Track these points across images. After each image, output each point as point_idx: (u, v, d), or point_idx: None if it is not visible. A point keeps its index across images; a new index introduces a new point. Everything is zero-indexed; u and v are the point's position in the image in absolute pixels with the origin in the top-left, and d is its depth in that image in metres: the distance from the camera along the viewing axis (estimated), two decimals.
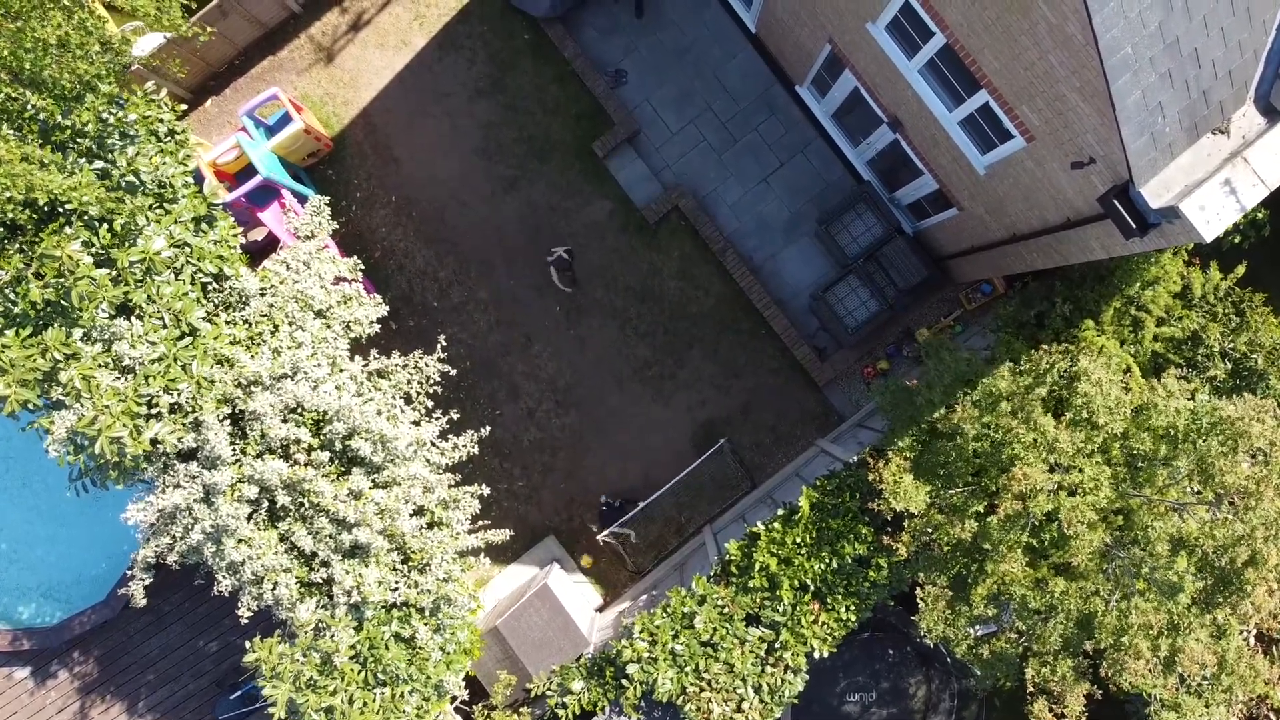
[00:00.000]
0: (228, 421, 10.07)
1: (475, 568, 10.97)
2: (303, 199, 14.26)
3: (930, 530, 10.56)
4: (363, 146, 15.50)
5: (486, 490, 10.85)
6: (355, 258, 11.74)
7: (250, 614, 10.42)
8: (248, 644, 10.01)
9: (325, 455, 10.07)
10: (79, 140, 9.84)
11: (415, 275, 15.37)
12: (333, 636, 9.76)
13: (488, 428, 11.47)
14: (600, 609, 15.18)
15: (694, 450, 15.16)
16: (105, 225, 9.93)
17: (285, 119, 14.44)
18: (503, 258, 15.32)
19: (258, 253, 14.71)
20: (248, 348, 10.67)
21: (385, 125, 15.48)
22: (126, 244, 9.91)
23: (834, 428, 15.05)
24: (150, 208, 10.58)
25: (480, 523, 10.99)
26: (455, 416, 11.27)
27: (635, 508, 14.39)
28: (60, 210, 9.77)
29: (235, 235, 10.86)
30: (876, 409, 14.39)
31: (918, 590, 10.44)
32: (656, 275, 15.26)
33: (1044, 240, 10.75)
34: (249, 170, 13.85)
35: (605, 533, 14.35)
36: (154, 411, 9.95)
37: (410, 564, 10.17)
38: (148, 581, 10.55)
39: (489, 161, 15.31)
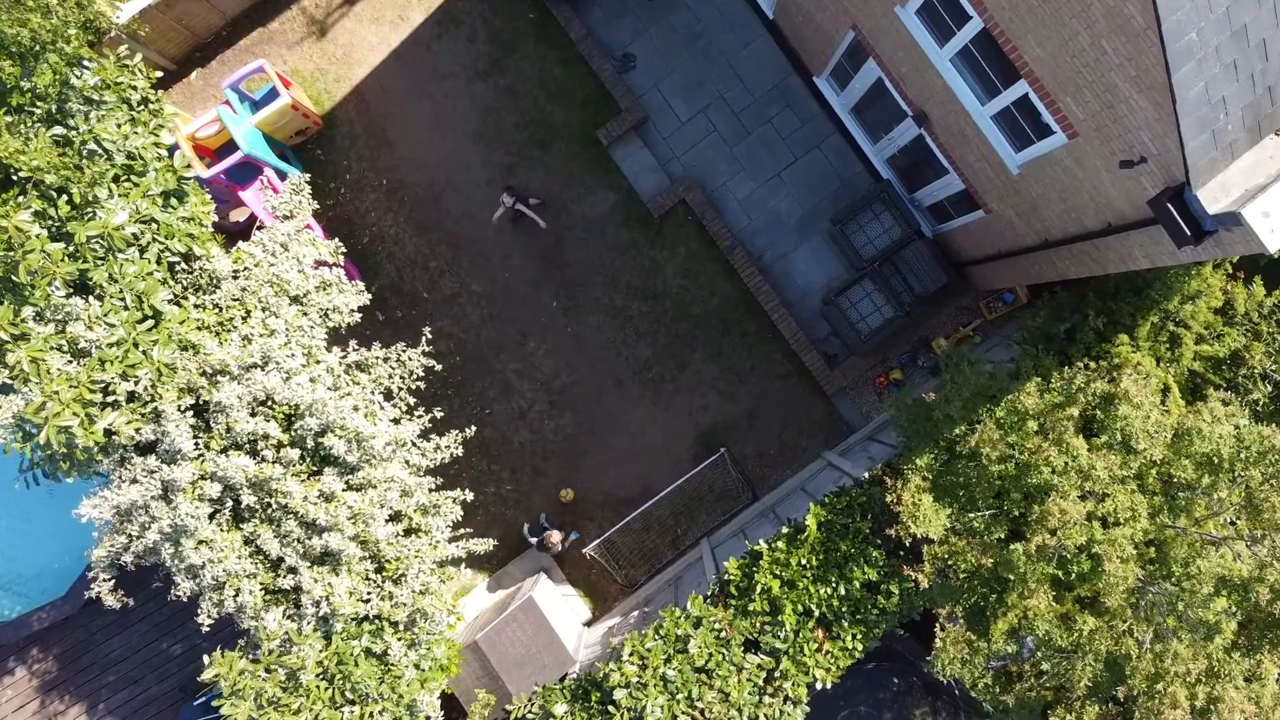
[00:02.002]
0: (190, 413, 9.35)
1: (456, 577, 10.25)
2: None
3: (948, 556, 9.83)
4: (354, 126, 14.77)
5: (470, 496, 10.12)
6: (337, 240, 11.02)
7: (211, 621, 9.73)
8: (206, 658, 9.29)
9: (295, 453, 9.35)
10: (39, 104, 9.12)
11: (405, 263, 14.65)
12: (299, 652, 9.03)
13: (473, 427, 10.76)
14: (589, 623, 14.46)
15: (693, 457, 14.45)
16: (65, 197, 9.22)
17: (272, 94, 13.73)
18: (498, 248, 14.60)
19: (240, 234, 13.99)
20: (216, 334, 9.96)
21: (379, 105, 14.76)
22: (85, 217, 9.20)
23: (842, 439, 14.33)
24: (116, 179, 9.89)
25: (463, 530, 10.27)
26: (439, 415, 10.55)
27: (570, 536, 13.77)
28: (15, 179, 9.06)
29: (207, 212, 10.14)
30: (888, 422, 13.69)
31: (937, 631, 9.72)
32: (659, 272, 14.54)
33: (1080, 247, 10.02)
34: (231, 146, 13.12)
35: (591, 546, 13.63)
36: (110, 400, 9.24)
37: (384, 574, 9.44)
38: (110, 581, 9.86)
39: (487, 147, 14.59)
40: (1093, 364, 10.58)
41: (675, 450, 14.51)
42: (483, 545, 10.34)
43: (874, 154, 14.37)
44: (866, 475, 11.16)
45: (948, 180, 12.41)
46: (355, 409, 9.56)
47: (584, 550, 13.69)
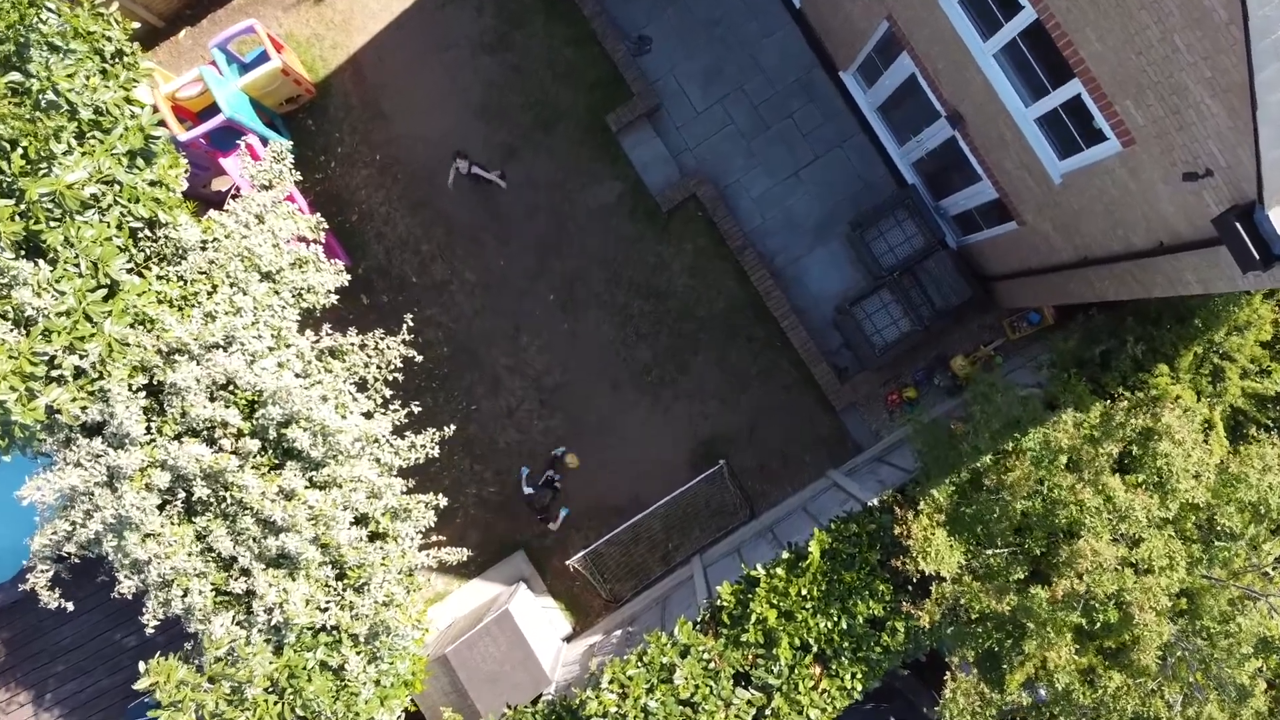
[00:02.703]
0: (143, 394, 8.59)
1: (429, 584, 9.50)
2: None
3: (959, 597, 9.09)
4: (349, 97, 14.02)
5: (443, 501, 9.37)
6: (319, 215, 10.26)
7: (157, 622, 8.99)
8: (143, 665, 8.56)
9: (256, 444, 8.60)
10: None
11: (395, 245, 13.90)
12: (248, 663, 8.28)
13: (452, 427, 9.98)
14: (569, 638, 13.72)
15: (690, 468, 13.71)
16: (20, 151, 8.47)
17: (263, 57, 12.97)
18: (495, 235, 13.86)
19: (222, 205, 13.23)
20: (180, 309, 9.20)
21: (376, 75, 14.01)
22: (39, 173, 8.44)
23: (849, 458, 13.59)
24: (81, 135, 9.14)
25: (435, 537, 9.52)
26: (417, 410, 9.78)
27: (550, 493, 12.98)
28: None
29: (177, 175, 9.38)
30: (901, 443, 12.95)
31: (946, 679, 8.98)
32: (665, 270, 13.79)
33: (1124, 267, 9.28)
34: (214, 109, 12.37)
35: (576, 558, 12.89)
36: (55, 374, 8.48)
37: (346, 581, 8.68)
38: (49, 573, 9.11)
39: (488, 126, 13.84)
40: (1128, 394, 9.85)
41: (671, 460, 13.77)
42: (456, 555, 9.59)
43: (899, 156, 13.63)
44: (876, 501, 10.41)
45: (980, 188, 11.67)
46: (324, 399, 8.80)
47: (568, 562, 12.94)
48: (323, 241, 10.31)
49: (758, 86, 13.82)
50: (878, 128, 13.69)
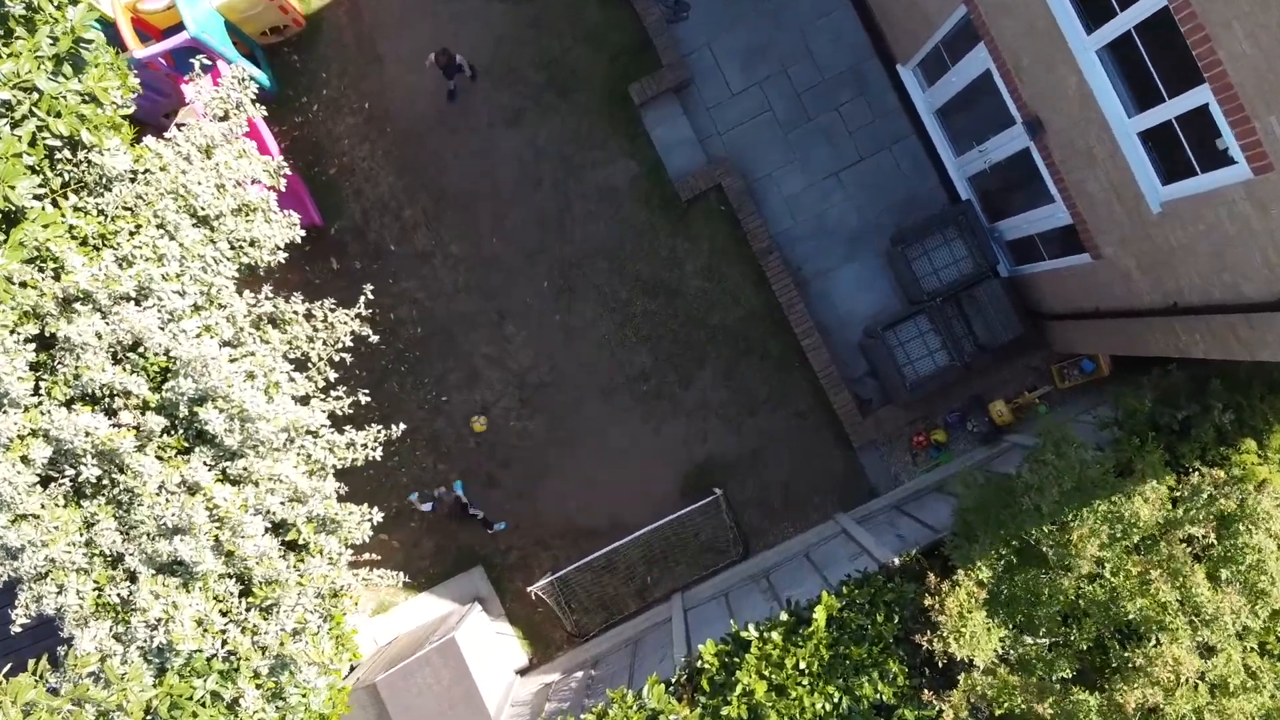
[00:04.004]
0: (31, 347, 7.22)
1: (368, 595, 8.15)
2: None
3: (989, 691, 7.74)
4: (342, 34, 12.65)
5: (379, 517, 8.00)
6: (282, 159, 8.90)
7: (27, 620, 7.63)
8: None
9: (161, 421, 7.24)
10: None
11: (375, 206, 12.54)
12: (119, 687, 6.91)
13: (399, 426, 8.59)
14: (524, 671, 12.36)
15: (680, 494, 12.36)
16: None
17: None
18: (489, 207, 12.50)
19: None
20: (96, 249, 7.84)
21: (375, 13, 12.64)
22: None
23: (862, 502, 12.24)
24: (8, 35, 7.78)
25: (368, 555, 8.16)
26: (365, 400, 8.40)
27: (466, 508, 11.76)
28: None
29: (107, 90, 8.00)
30: (925, 492, 11.62)
31: None
32: (677, 267, 12.43)
33: (1224, 321, 7.94)
34: (181, 27, 10.99)
35: (539, 585, 11.53)
36: None
37: (251, 600, 7.31)
38: None
39: (494, 84, 12.47)
40: (1207, 470, 8.50)
41: (660, 482, 12.41)
42: (389, 580, 8.22)
43: (955, 167, 12.28)
44: (896, 561, 9.06)
45: (1049, 211, 10.33)
46: (250, 376, 7.43)
47: (530, 589, 11.57)
48: (282, 189, 8.95)
49: (804, 72, 12.46)
50: (934, 132, 12.34)
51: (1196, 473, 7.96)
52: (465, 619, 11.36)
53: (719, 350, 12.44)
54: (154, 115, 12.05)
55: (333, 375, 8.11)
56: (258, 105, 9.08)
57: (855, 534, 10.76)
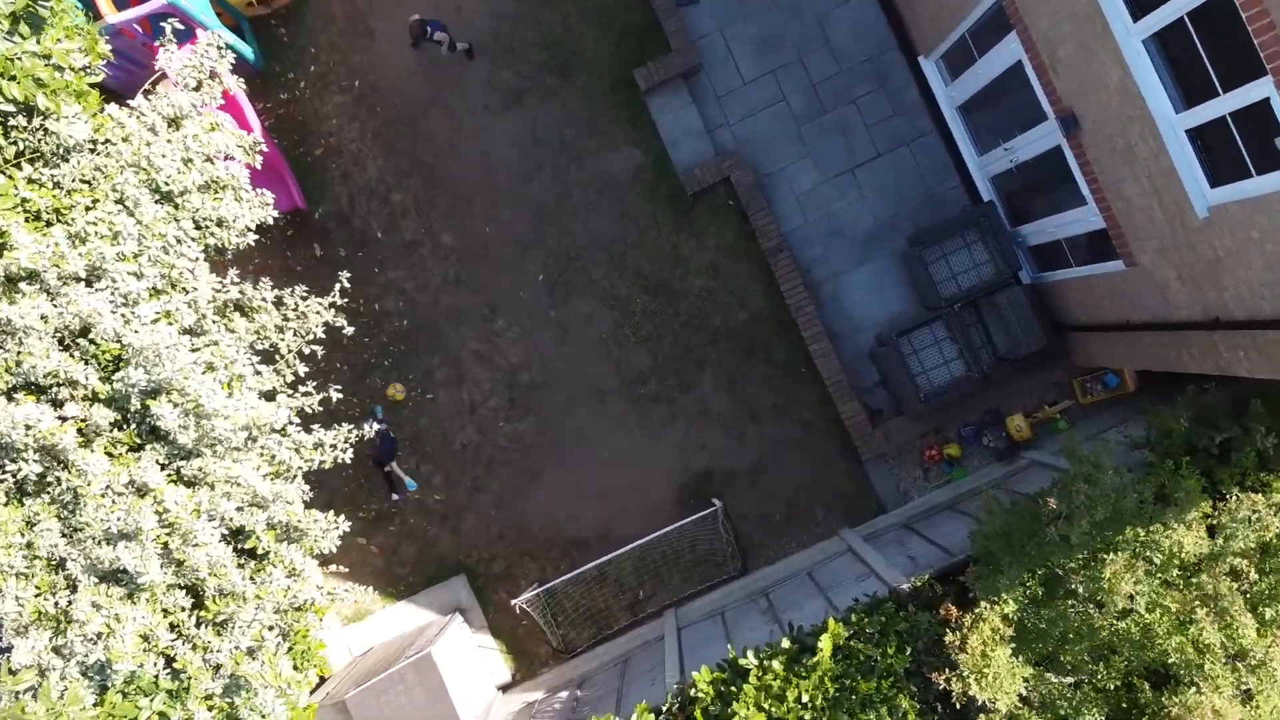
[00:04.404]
0: None
1: (320, 623, 7.57)
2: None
3: None
4: (332, 6, 12.06)
5: (347, 526, 7.40)
6: (258, 135, 8.31)
7: None
8: None
9: (110, 415, 6.65)
10: None
11: (362, 190, 11.95)
12: (57, 707, 6.33)
13: (374, 426, 7.98)
14: (506, 687, 11.77)
15: (677, 505, 11.78)
16: None
17: None
18: (483, 194, 11.92)
19: None
20: (49, 224, 7.25)
21: None
22: None
23: (870, 518, 11.66)
24: None
25: (332, 568, 7.58)
26: (337, 395, 7.80)
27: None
28: None
29: (68, 51, 7.42)
30: (936, 511, 11.05)
31: None
32: (680, 265, 11.85)
33: (1271, 336, 7.36)
34: None
35: (524, 598, 10.96)
36: None
37: (203, 614, 6.72)
38: None
39: (493, 63, 11.89)
40: (1244, 495, 7.92)
41: (655, 491, 11.83)
42: (357, 594, 7.63)
43: (978, 167, 11.70)
44: (908, 586, 8.47)
45: (1081, 214, 9.74)
46: (210, 367, 6.84)
47: (514, 602, 10.98)
48: (257, 166, 8.36)
49: (821, 62, 11.88)
50: (956, 130, 11.77)
51: (1234, 498, 7.37)
52: (445, 631, 10.78)
53: (722, 353, 11.86)
54: (132, 89, 11.43)
55: (303, 369, 7.53)
56: (239, 79, 8.52)
57: (862, 553, 10.18)
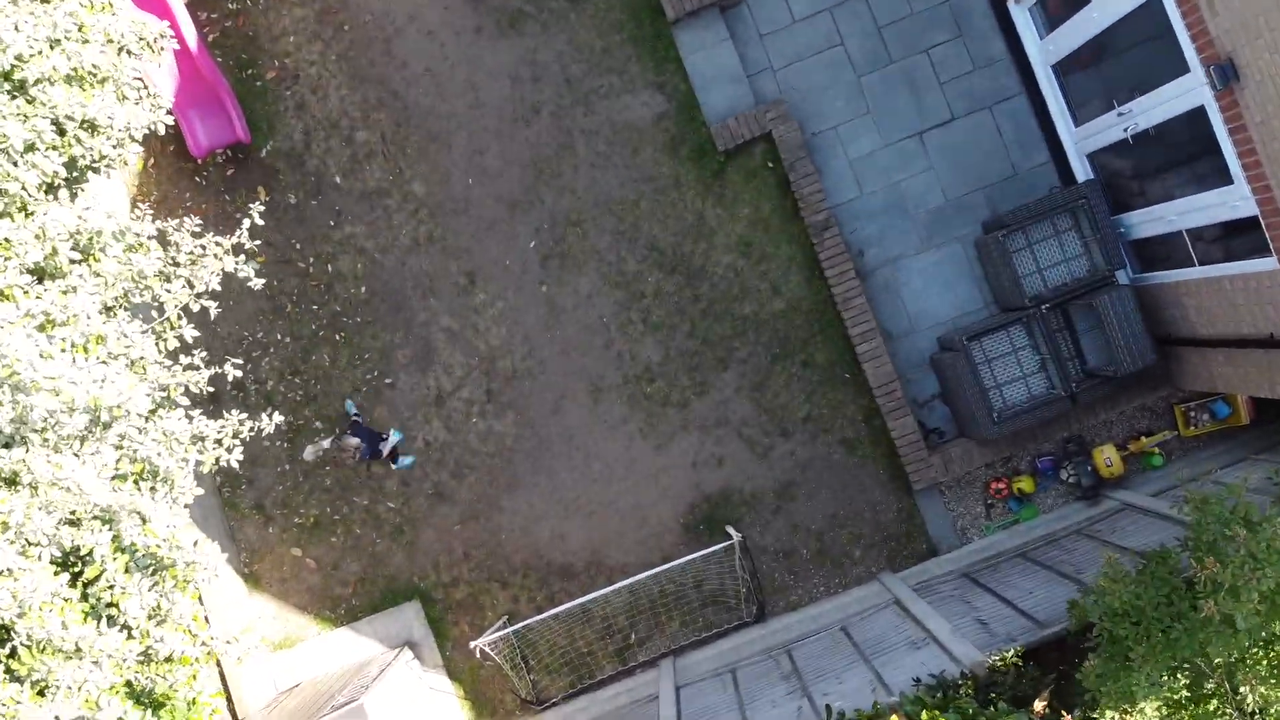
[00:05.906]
0: None
1: (194, 681, 5.72)
2: None
3: None
4: None
5: (223, 557, 5.55)
6: (166, 23, 6.45)
7: None
8: None
9: None
10: None
11: (321, 124, 10.10)
12: None
13: (274, 418, 6.09)
14: None
15: (683, 531, 9.99)
16: None
17: None
18: (466, 137, 10.09)
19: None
20: None
21: None
22: None
23: (917, 561, 9.86)
24: None
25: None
26: (234, 375, 5.93)
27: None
28: None
29: None
30: (1005, 558, 9.25)
31: None
32: (705, 236, 10.02)
33: None
34: None
35: (488, 638, 9.15)
36: None
37: (11, 669, 4.87)
38: None
39: None
40: None
41: (657, 513, 10.02)
42: (239, 651, 5.77)
43: (1073, 140, 9.90)
44: (987, 665, 6.64)
45: (1223, 196, 7.91)
46: (51, 322, 4.98)
47: (474, 644, 9.15)
48: (158, 65, 6.51)
49: (889, 0, 10.06)
50: (1049, 94, 9.97)
51: None
52: (387, 672, 8.97)
53: (749, 350, 10.03)
54: None
55: (191, 334, 5.67)
56: None
57: (915, 611, 8.36)
